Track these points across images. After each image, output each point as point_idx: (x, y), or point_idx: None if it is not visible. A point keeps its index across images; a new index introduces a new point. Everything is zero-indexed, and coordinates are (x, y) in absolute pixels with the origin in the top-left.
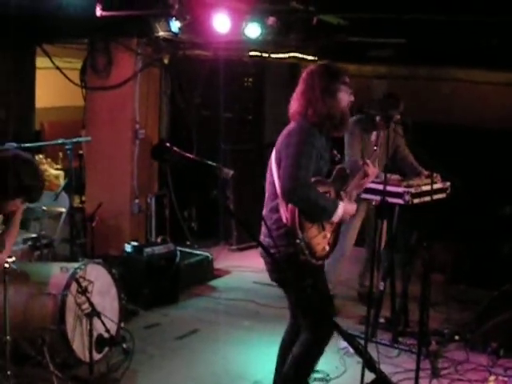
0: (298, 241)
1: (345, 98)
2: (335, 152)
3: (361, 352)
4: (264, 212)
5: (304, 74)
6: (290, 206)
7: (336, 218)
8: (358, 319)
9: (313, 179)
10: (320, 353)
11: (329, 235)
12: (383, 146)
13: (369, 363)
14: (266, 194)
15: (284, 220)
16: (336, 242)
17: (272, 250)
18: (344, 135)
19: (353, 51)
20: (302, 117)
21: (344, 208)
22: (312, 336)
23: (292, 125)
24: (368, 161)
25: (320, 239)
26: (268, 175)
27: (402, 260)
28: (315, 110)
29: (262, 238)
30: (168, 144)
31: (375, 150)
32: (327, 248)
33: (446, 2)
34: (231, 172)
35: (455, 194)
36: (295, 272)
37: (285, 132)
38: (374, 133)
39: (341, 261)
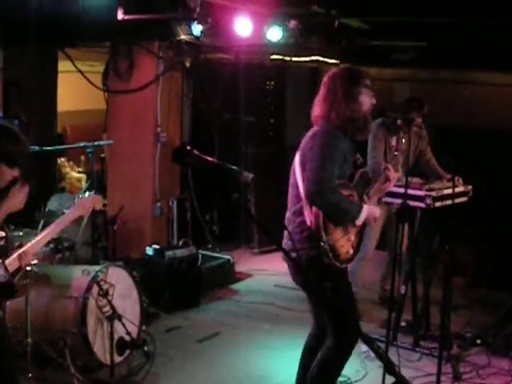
0: (322, 243)
1: (367, 101)
2: (358, 156)
3: (380, 355)
4: (287, 215)
5: (325, 78)
6: (314, 208)
7: (360, 221)
8: (380, 323)
9: (336, 182)
10: (346, 358)
11: (353, 238)
12: (404, 151)
13: (389, 366)
14: (289, 197)
15: (308, 223)
16: (359, 245)
17: (294, 254)
18: (368, 138)
19: (374, 54)
20: (325, 121)
21: (368, 211)
22: (337, 341)
23: (316, 128)
24: (389, 165)
25: (344, 242)
26: (291, 178)
27: (423, 263)
28: (338, 114)
29: (284, 241)
30: (188, 147)
31: (395, 156)
32: (351, 251)
33: (467, 5)
34: (251, 175)
35: (477, 196)
36: (317, 275)
37: (309, 134)
38: (394, 138)
39: (363, 263)
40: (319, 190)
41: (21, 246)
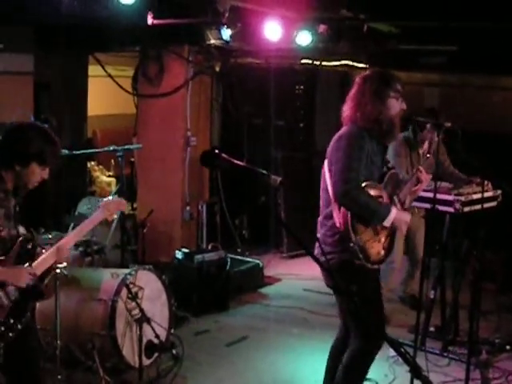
0: (351, 244)
1: (396, 105)
2: (387, 158)
3: (407, 359)
4: (319, 219)
5: (358, 79)
6: (342, 209)
7: (388, 222)
8: (408, 328)
9: (364, 183)
10: (370, 361)
11: (383, 240)
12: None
13: (416, 371)
14: (321, 201)
15: (337, 224)
16: (391, 248)
17: (327, 257)
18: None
19: (404, 58)
20: (352, 121)
21: (397, 214)
22: (362, 345)
23: (343, 129)
24: (421, 167)
25: (374, 243)
26: (322, 182)
27: (452, 268)
28: (363, 114)
29: (317, 244)
30: (217, 150)
31: (428, 158)
32: (382, 252)
33: (498, 9)
34: (279, 179)
35: (506, 202)
36: (348, 278)
37: (335, 137)
38: (426, 142)
39: (391, 267)
40: (346, 190)
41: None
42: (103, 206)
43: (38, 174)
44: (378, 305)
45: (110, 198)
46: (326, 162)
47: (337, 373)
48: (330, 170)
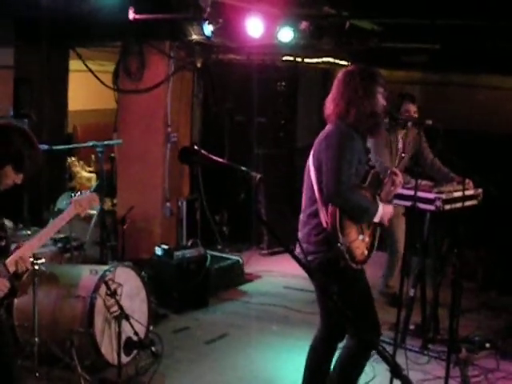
0: (338, 244)
1: (381, 101)
2: (370, 156)
3: (387, 358)
4: (302, 217)
5: (341, 75)
6: (330, 209)
7: (377, 218)
8: (388, 325)
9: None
10: (367, 357)
11: (367, 239)
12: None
13: (395, 370)
14: (304, 199)
15: (324, 224)
16: (374, 247)
17: (309, 257)
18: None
19: (386, 56)
20: (341, 118)
21: (383, 209)
22: (356, 343)
23: (329, 127)
24: (396, 170)
25: (359, 243)
26: (306, 180)
27: (432, 267)
28: (358, 111)
29: (298, 244)
30: (196, 147)
31: (403, 158)
32: (366, 252)
33: (480, 7)
34: (258, 176)
35: (487, 200)
36: (333, 277)
37: (322, 135)
38: (401, 139)
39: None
40: (339, 190)
41: (18, 247)
42: (75, 202)
43: (11, 178)
44: (367, 300)
45: (83, 193)
46: (310, 160)
47: (322, 369)
48: (316, 169)
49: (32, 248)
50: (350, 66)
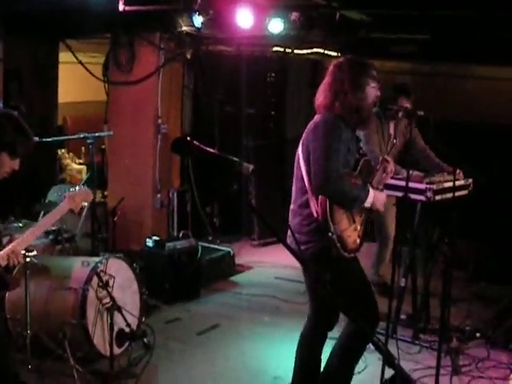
0: (330, 234)
1: (372, 93)
2: (360, 144)
3: (380, 348)
4: (292, 207)
5: (331, 67)
6: (320, 199)
7: (368, 203)
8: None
9: (342, 172)
10: (365, 344)
11: (359, 227)
12: (399, 139)
13: (388, 359)
14: (294, 190)
15: (315, 214)
16: (365, 235)
17: (302, 246)
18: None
19: (375, 47)
20: (328, 109)
21: (375, 195)
22: (355, 329)
23: (318, 118)
24: (388, 157)
25: (351, 232)
26: (296, 171)
27: (423, 256)
28: (342, 103)
29: (289, 233)
30: (188, 138)
31: (394, 144)
32: (358, 241)
33: None
34: (251, 167)
35: (478, 190)
36: (325, 267)
37: (311, 125)
38: (392, 125)
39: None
40: (327, 180)
41: (11, 241)
42: (69, 197)
43: (8, 164)
44: (361, 291)
45: (77, 188)
46: (299, 150)
47: (317, 357)
48: (305, 159)
49: (25, 242)
50: (341, 58)
